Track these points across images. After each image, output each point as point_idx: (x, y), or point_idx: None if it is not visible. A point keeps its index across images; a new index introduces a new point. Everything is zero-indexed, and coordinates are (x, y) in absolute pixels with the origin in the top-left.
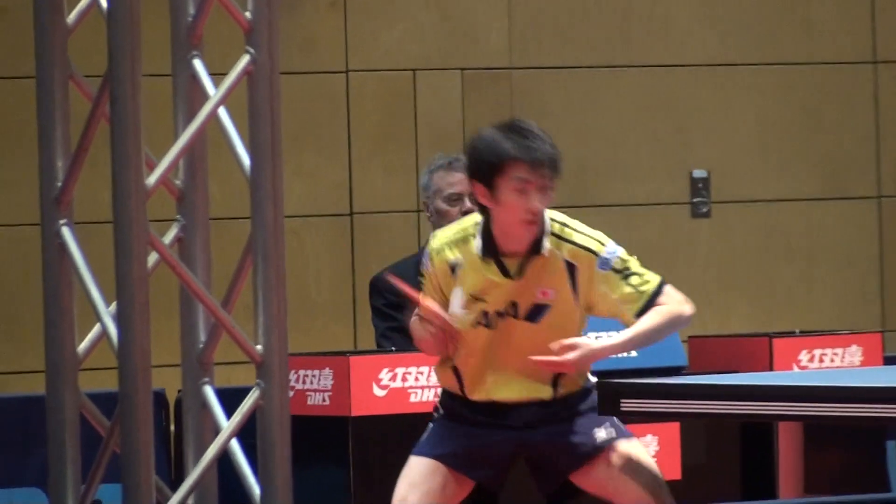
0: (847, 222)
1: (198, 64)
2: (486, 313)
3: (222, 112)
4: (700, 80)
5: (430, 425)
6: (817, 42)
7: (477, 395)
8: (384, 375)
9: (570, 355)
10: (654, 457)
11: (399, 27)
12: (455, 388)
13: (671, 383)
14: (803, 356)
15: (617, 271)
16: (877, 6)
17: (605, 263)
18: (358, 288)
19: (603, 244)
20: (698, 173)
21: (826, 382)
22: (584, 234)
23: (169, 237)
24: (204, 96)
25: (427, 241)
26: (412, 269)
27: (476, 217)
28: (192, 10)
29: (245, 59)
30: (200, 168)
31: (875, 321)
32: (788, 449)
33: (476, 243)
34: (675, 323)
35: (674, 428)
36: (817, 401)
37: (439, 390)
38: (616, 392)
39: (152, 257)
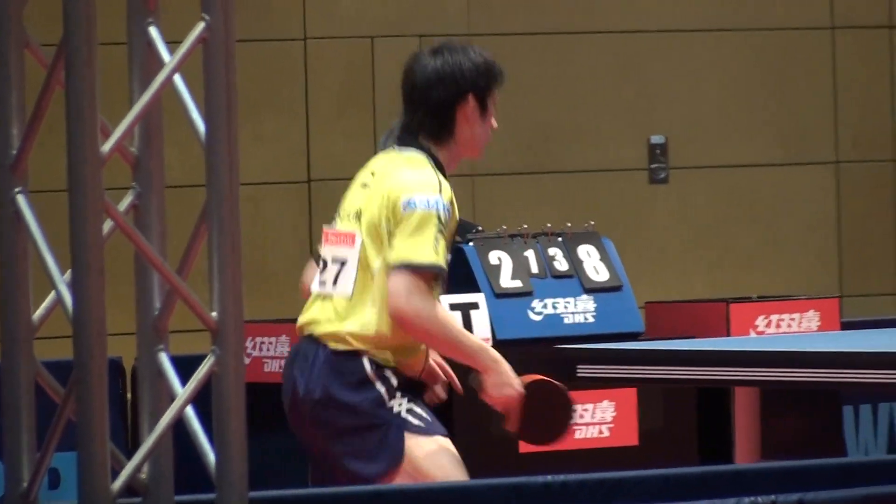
0: (805, 187)
1: (153, 31)
2: None
3: (178, 79)
4: (660, 46)
5: (408, 403)
6: (776, 8)
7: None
8: None
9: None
10: (611, 422)
11: None
12: (418, 368)
13: (628, 349)
14: (760, 321)
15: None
16: None
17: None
18: None
19: None
20: (656, 139)
21: (782, 348)
22: None
23: (124, 204)
24: (159, 64)
25: (428, 186)
26: None
27: (417, 154)
28: None
29: (200, 26)
30: (156, 135)
31: (833, 285)
32: (745, 414)
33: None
34: None
35: (631, 393)
36: (774, 366)
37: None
38: (572, 358)
39: (107, 225)
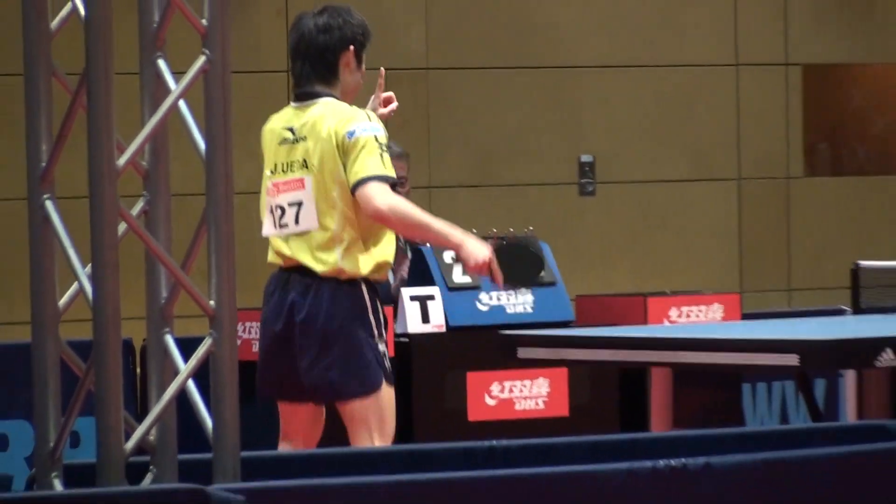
0: (712, 200)
1: (161, 64)
2: None
3: (182, 105)
4: (589, 79)
5: (384, 349)
6: (688, 47)
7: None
8: None
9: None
10: (545, 397)
11: None
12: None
13: (560, 335)
14: (673, 313)
15: None
16: (738, 16)
17: None
18: None
19: None
20: (585, 158)
21: (692, 335)
22: None
23: (136, 210)
24: (167, 91)
25: (360, 115)
26: None
27: (330, 100)
28: (156, 17)
29: (201, 60)
30: (163, 152)
31: (734, 283)
32: (659, 390)
33: None
34: None
35: (562, 373)
36: (684, 350)
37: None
38: (513, 342)
39: (122, 227)
